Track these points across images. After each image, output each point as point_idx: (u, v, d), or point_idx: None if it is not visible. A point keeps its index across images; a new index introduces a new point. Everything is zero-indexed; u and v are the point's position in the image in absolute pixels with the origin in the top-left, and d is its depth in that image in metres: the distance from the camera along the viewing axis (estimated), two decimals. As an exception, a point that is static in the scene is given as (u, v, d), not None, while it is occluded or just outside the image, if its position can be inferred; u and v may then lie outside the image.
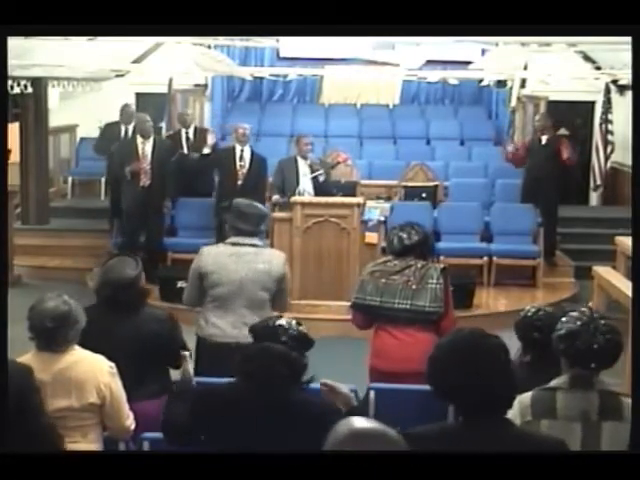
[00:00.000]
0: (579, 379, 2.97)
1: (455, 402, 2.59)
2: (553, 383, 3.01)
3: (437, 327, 4.56)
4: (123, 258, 4.22)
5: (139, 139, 9.27)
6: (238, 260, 4.72)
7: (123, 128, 10.34)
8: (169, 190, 9.48)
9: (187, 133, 10.10)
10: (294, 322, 3.36)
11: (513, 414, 2.93)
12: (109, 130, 10.50)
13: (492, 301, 9.12)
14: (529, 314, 3.81)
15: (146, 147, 9.20)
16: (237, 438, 2.98)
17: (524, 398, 2.98)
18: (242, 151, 9.24)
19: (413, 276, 4.57)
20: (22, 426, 3.14)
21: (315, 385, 3.27)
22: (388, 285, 4.57)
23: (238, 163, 9.18)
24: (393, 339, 4.58)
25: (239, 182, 9.06)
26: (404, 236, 4.65)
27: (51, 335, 3.51)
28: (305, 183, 8.81)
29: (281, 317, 3.34)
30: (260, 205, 4.98)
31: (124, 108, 10.53)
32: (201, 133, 10.00)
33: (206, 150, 9.40)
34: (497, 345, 2.60)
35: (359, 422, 1.97)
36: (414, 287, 4.54)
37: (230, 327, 4.65)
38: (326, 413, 3.07)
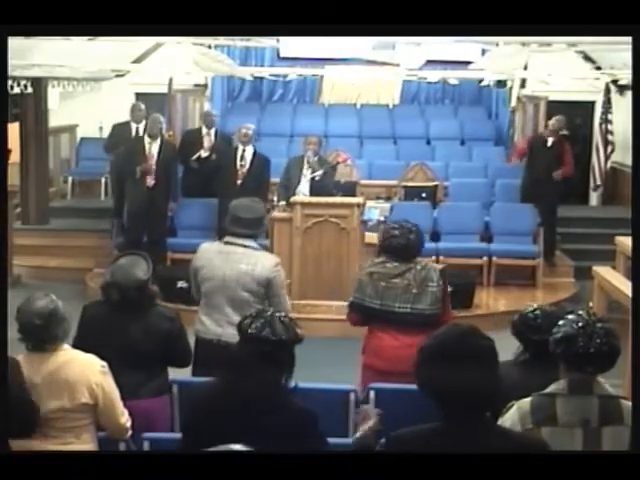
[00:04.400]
0: (578, 384, 2.95)
1: (436, 396, 2.58)
2: (552, 388, 2.99)
3: (435, 327, 4.56)
4: (134, 258, 4.20)
5: (147, 139, 9.28)
6: (225, 258, 4.75)
7: (134, 127, 10.30)
8: (174, 191, 9.52)
9: (209, 134, 10.10)
10: (281, 317, 3.18)
11: (513, 421, 2.91)
12: (119, 129, 10.48)
13: (492, 301, 9.12)
14: (526, 313, 3.77)
15: (153, 147, 9.21)
16: (215, 438, 2.95)
17: (523, 404, 2.96)
18: (244, 151, 9.27)
19: (414, 279, 4.55)
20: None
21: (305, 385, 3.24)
22: (388, 289, 4.56)
23: (239, 163, 9.22)
24: (393, 340, 4.57)
25: (238, 182, 9.09)
26: (404, 237, 4.62)
27: (41, 333, 3.51)
28: (303, 184, 8.82)
29: (265, 313, 3.17)
30: (257, 207, 4.93)
31: (135, 107, 10.51)
32: (223, 134, 10.06)
33: (204, 154, 9.42)
34: (486, 346, 2.60)
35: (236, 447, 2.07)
36: (414, 291, 4.54)
37: (214, 324, 4.71)
38: (301, 417, 3.05)
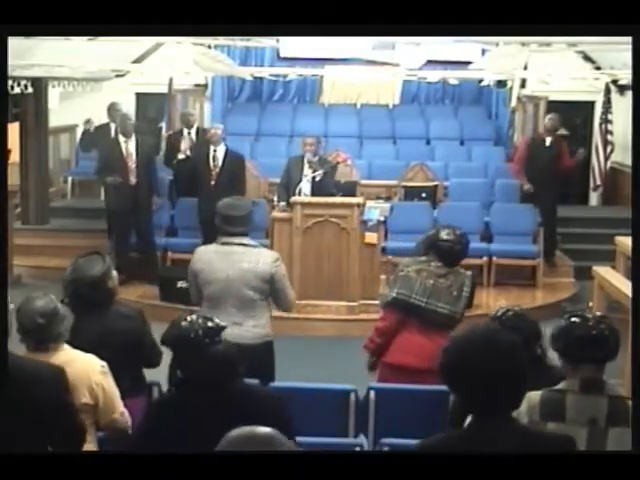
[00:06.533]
0: (589, 382, 2.93)
1: (464, 396, 2.56)
2: (562, 385, 2.97)
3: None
4: (91, 257, 4.16)
5: (121, 138, 9.28)
6: (224, 259, 4.75)
7: (113, 127, 10.29)
8: (157, 186, 9.53)
9: (189, 134, 10.09)
10: (196, 319, 3.22)
11: (519, 412, 2.90)
12: (99, 131, 10.48)
13: (492, 301, 9.11)
14: (498, 314, 3.71)
15: (129, 146, 9.22)
16: (187, 439, 2.96)
17: (533, 397, 2.94)
18: (215, 151, 9.29)
19: (455, 282, 4.63)
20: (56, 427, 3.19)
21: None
22: (435, 287, 4.60)
23: (211, 163, 9.24)
24: (426, 339, 4.53)
25: (212, 182, 9.13)
26: (458, 243, 4.70)
27: (43, 332, 3.50)
28: (304, 184, 8.83)
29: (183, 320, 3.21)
30: (243, 204, 4.96)
31: (112, 107, 10.52)
32: (203, 134, 10.02)
33: (181, 156, 9.43)
34: (513, 343, 2.55)
35: (254, 428, 2.05)
36: (454, 293, 4.62)
37: None
38: (265, 399, 3.10)
